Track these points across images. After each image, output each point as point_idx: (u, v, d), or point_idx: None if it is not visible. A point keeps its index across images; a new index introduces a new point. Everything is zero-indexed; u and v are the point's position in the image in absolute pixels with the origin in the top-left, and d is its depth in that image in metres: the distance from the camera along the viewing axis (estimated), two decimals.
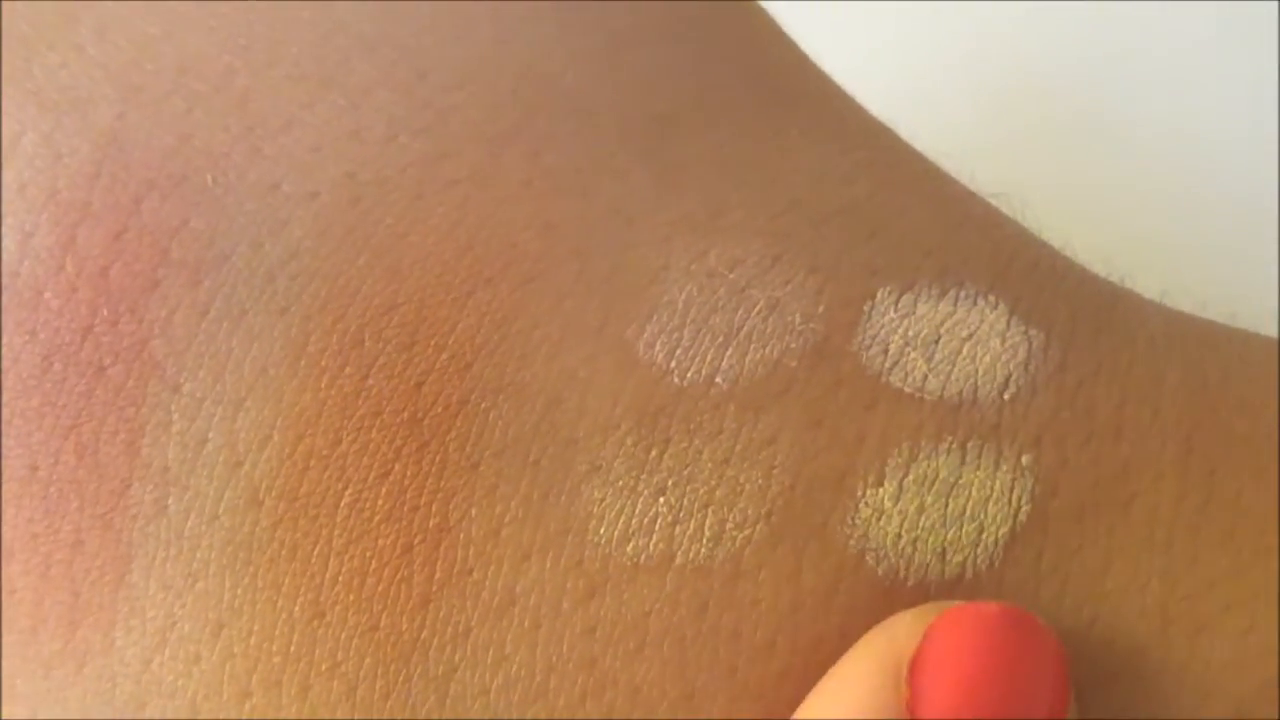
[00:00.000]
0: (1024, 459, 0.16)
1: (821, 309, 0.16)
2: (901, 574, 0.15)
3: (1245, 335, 0.18)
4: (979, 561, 0.15)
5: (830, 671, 0.15)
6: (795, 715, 0.15)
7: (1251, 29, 0.37)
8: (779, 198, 0.17)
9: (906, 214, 0.18)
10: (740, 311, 0.16)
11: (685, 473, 0.16)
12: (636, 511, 0.15)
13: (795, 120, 0.18)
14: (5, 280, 0.16)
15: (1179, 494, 0.16)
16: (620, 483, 0.16)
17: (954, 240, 0.17)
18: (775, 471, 0.16)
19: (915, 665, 0.14)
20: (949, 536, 0.15)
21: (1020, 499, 0.16)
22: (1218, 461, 0.16)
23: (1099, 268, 0.19)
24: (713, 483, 0.15)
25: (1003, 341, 0.16)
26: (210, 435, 0.16)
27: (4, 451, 0.16)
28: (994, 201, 0.20)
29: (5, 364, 0.16)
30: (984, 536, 0.15)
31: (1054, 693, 0.14)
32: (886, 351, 0.16)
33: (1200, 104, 0.37)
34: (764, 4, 0.21)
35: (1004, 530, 0.15)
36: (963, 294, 0.17)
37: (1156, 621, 0.15)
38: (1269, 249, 0.34)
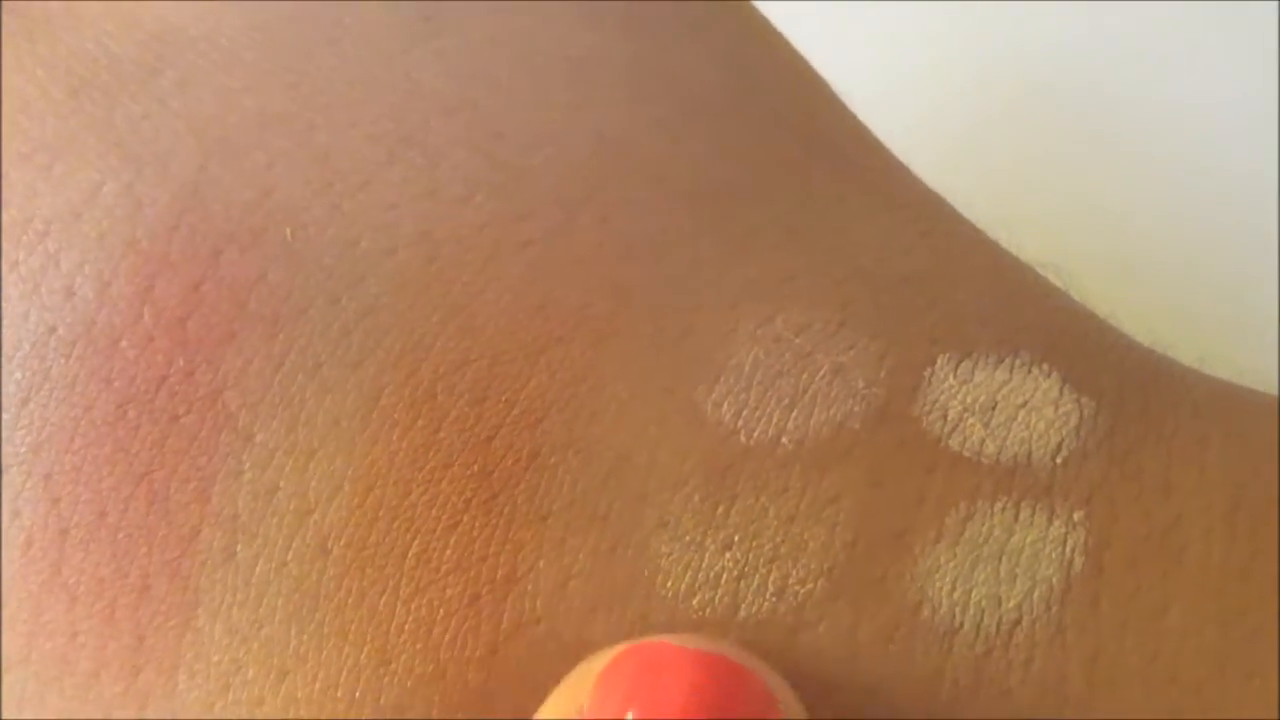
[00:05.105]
0: (1076, 515, 0.16)
1: (883, 374, 0.17)
2: (957, 621, 0.16)
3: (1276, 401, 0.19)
4: (1035, 605, 0.16)
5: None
6: None
7: (1252, 29, 0.37)
8: (842, 266, 0.18)
9: (963, 285, 0.18)
10: (805, 375, 0.16)
11: (751, 529, 0.16)
12: (703, 566, 0.16)
13: (855, 190, 0.19)
14: (82, 328, 0.17)
15: (1228, 546, 0.16)
16: (688, 537, 0.16)
17: (1009, 310, 0.18)
18: (838, 529, 0.16)
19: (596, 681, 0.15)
20: (1004, 585, 0.16)
21: (1074, 550, 0.16)
22: (1262, 518, 0.16)
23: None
24: (778, 539, 0.16)
25: (1056, 409, 0.17)
26: (281, 484, 0.16)
27: (73, 497, 0.16)
28: (1042, 271, 0.20)
29: (79, 411, 0.16)
30: (1038, 583, 0.16)
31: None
32: (946, 416, 0.17)
33: (1200, 104, 0.37)
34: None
35: (1058, 578, 0.16)
36: (1018, 362, 0.17)
37: (1213, 662, 0.16)
38: (1269, 249, 0.34)
